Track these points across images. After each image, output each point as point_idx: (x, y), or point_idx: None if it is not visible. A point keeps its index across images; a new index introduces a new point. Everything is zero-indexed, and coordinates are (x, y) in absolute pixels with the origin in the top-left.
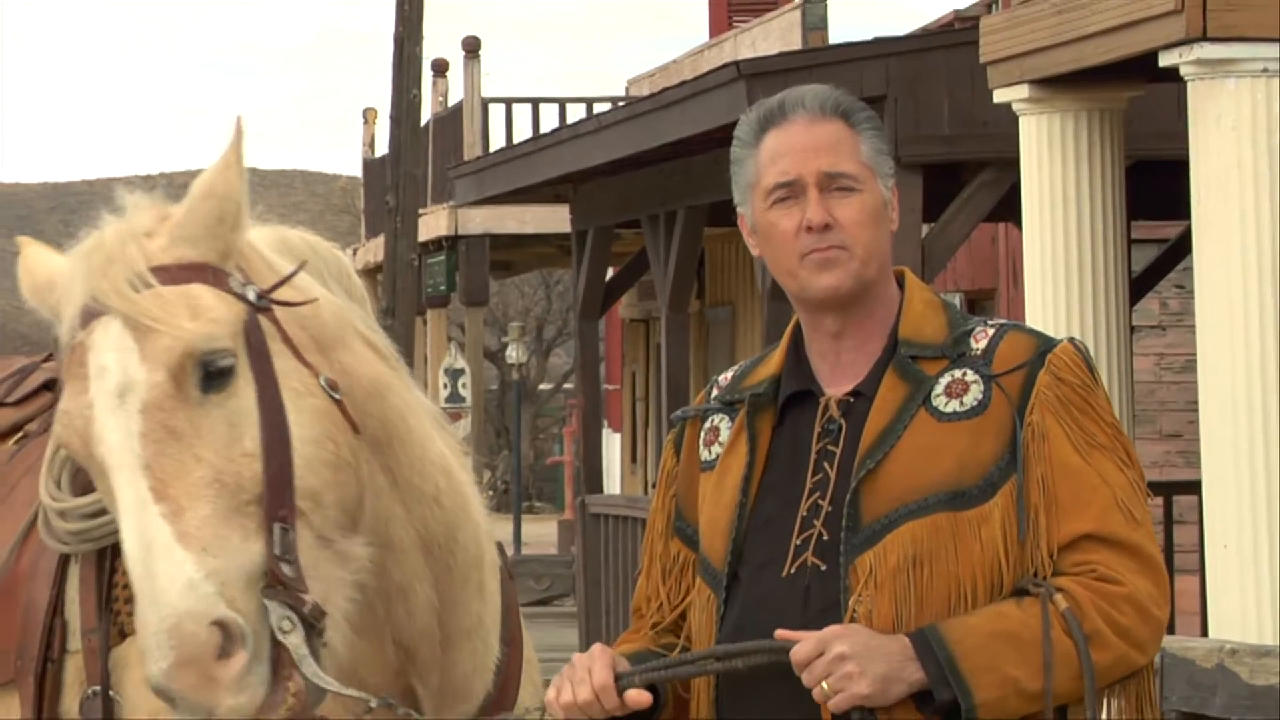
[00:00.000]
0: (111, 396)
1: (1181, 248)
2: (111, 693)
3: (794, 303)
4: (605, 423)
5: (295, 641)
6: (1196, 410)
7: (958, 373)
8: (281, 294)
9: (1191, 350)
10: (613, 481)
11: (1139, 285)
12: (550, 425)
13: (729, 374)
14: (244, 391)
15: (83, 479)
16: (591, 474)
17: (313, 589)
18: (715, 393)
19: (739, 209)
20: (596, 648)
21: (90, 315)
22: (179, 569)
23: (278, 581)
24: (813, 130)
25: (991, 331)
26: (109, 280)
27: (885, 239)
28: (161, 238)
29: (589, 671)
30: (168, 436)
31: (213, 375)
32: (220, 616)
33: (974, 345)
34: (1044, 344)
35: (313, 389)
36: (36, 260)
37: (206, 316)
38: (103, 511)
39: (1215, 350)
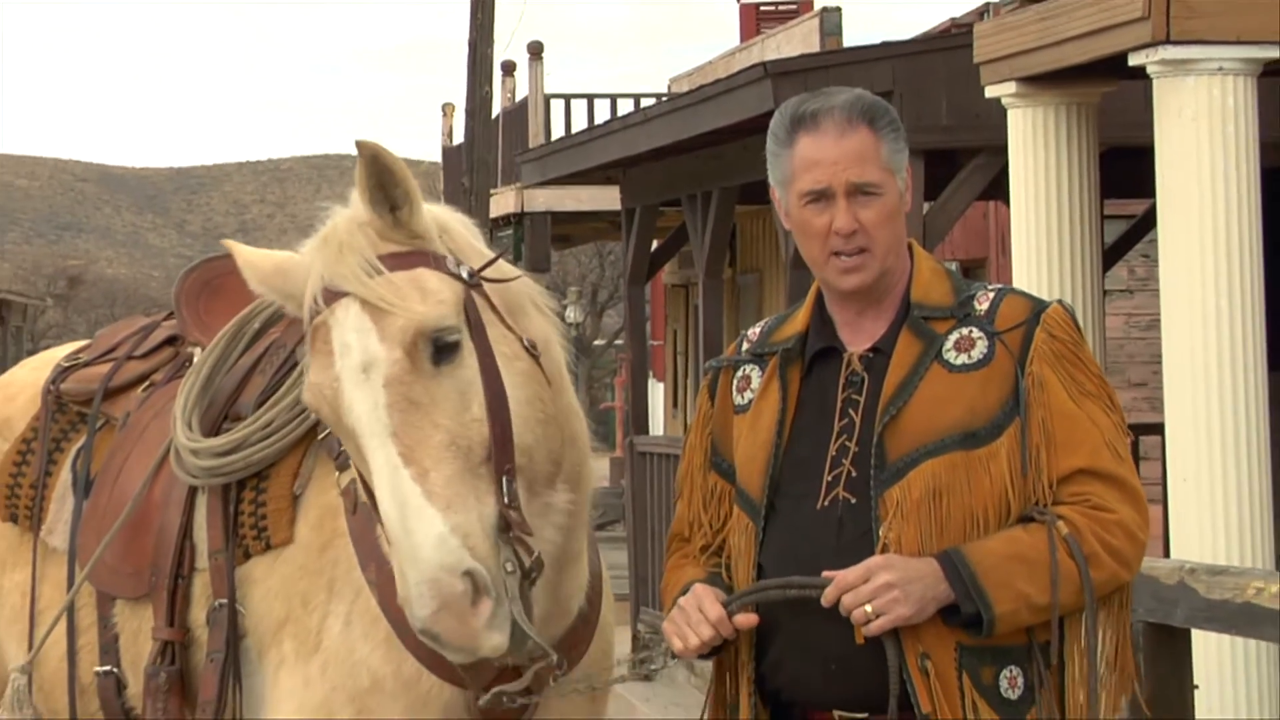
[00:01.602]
0: (356, 371)
1: (1147, 222)
2: (238, 606)
3: (820, 284)
4: (650, 374)
5: (511, 584)
6: (1160, 362)
7: (965, 330)
8: (486, 272)
9: (1156, 311)
10: (657, 424)
11: (1110, 255)
12: (603, 376)
13: (757, 329)
14: (468, 362)
15: (210, 422)
16: (639, 418)
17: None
18: (746, 345)
19: (775, 190)
20: (699, 588)
21: (331, 297)
22: (431, 526)
23: (509, 526)
24: (842, 143)
25: (992, 295)
26: (345, 266)
27: (900, 228)
28: (384, 228)
29: (701, 611)
30: (410, 406)
31: (442, 349)
32: (469, 568)
33: (978, 307)
34: (1038, 305)
35: (519, 353)
36: (254, 255)
37: (434, 298)
38: (231, 450)
39: (1176, 311)
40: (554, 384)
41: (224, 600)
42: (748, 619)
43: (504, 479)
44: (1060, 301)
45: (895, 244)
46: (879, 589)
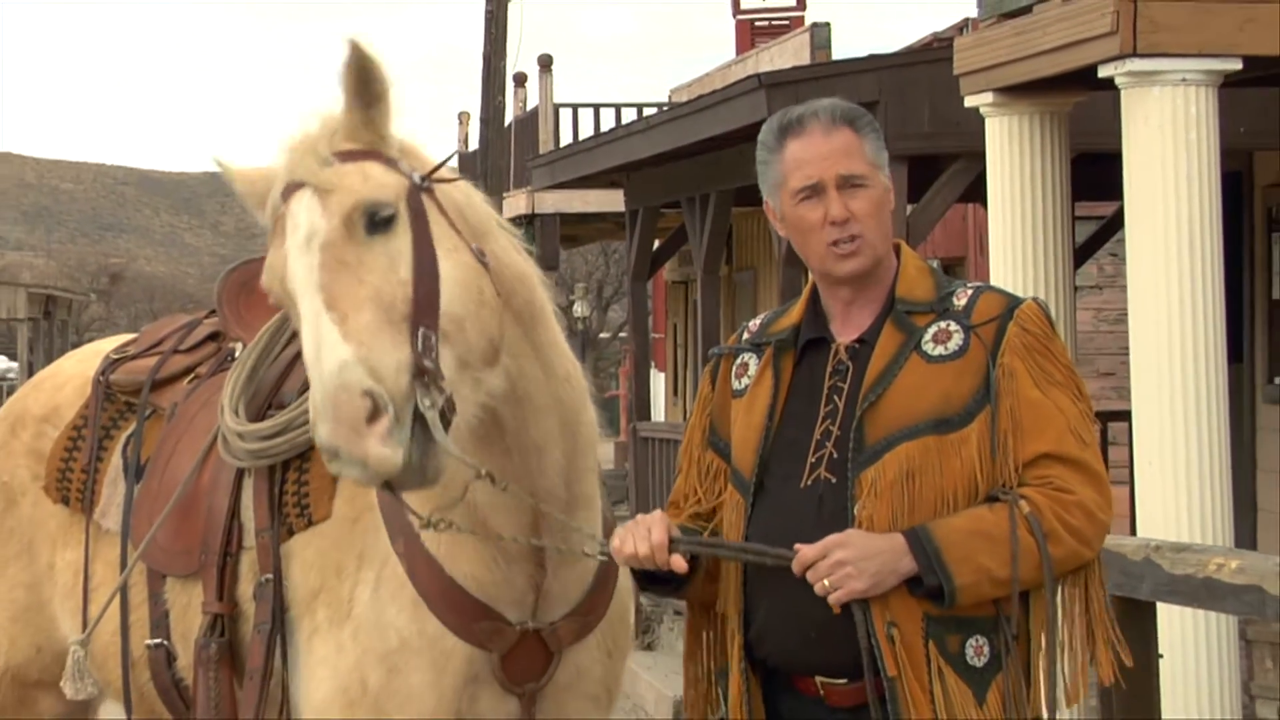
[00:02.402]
0: (301, 243)
1: (1116, 223)
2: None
3: (815, 276)
4: (652, 364)
5: (432, 416)
6: (1127, 354)
7: (943, 324)
8: (438, 182)
9: (1123, 306)
10: (658, 411)
11: (1081, 253)
12: (608, 366)
13: (756, 321)
14: (402, 236)
15: (255, 409)
16: (641, 405)
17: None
18: (746, 336)
19: (767, 200)
20: (657, 512)
21: (290, 190)
22: (339, 354)
23: (422, 372)
24: (828, 140)
25: (970, 292)
26: (304, 163)
27: (888, 220)
28: (340, 131)
29: (648, 530)
30: (339, 266)
31: (377, 223)
32: (368, 388)
33: (956, 303)
34: (1013, 302)
35: (463, 250)
36: (241, 168)
37: (375, 181)
38: (276, 434)
39: (1142, 305)
40: (531, 318)
41: (270, 575)
42: (678, 562)
43: (421, 331)
44: (1035, 299)
45: (885, 233)
46: (833, 565)
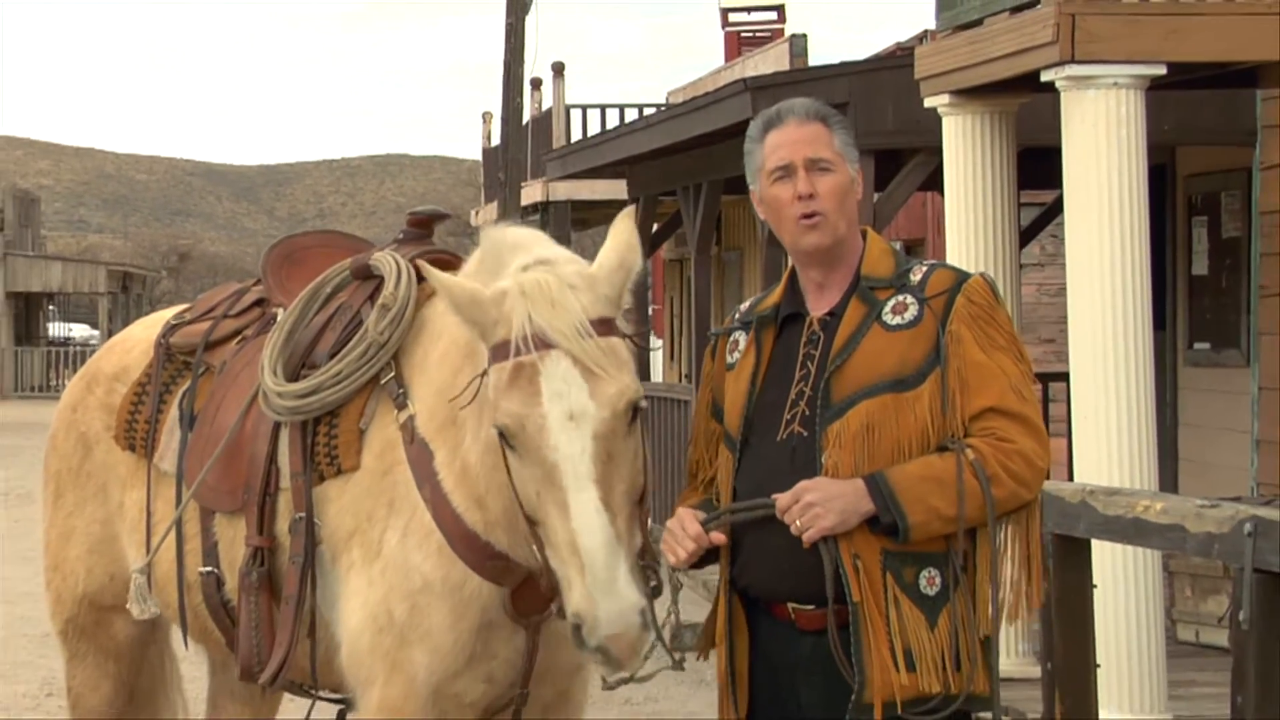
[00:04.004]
0: (564, 418)
1: (1056, 208)
2: (314, 519)
3: (790, 255)
4: (652, 333)
5: (651, 617)
6: (1066, 323)
7: (901, 297)
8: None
9: (1063, 281)
10: (657, 373)
11: (1026, 235)
12: None
13: (745, 304)
14: (638, 427)
15: (291, 369)
16: (641, 368)
17: None
18: (737, 316)
19: (750, 186)
20: (681, 511)
21: (540, 344)
22: (624, 566)
23: (644, 554)
24: (801, 130)
25: (925, 269)
26: (559, 321)
27: (852, 205)
28: (586, 293)
29: (682, 529)
30: (608, 459)
31: (634, 415)
32: (643, 607)
33: (913, 278)
34: (961, 276)
35: None
36: (449, 280)
37: (628, 369)
38: (309, 394)
39: (1079, 280)
40: None
41: (302, 514)
42: (719, 537)
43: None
44: (982, 274)
45: (848, 218)
46: (804, 507)
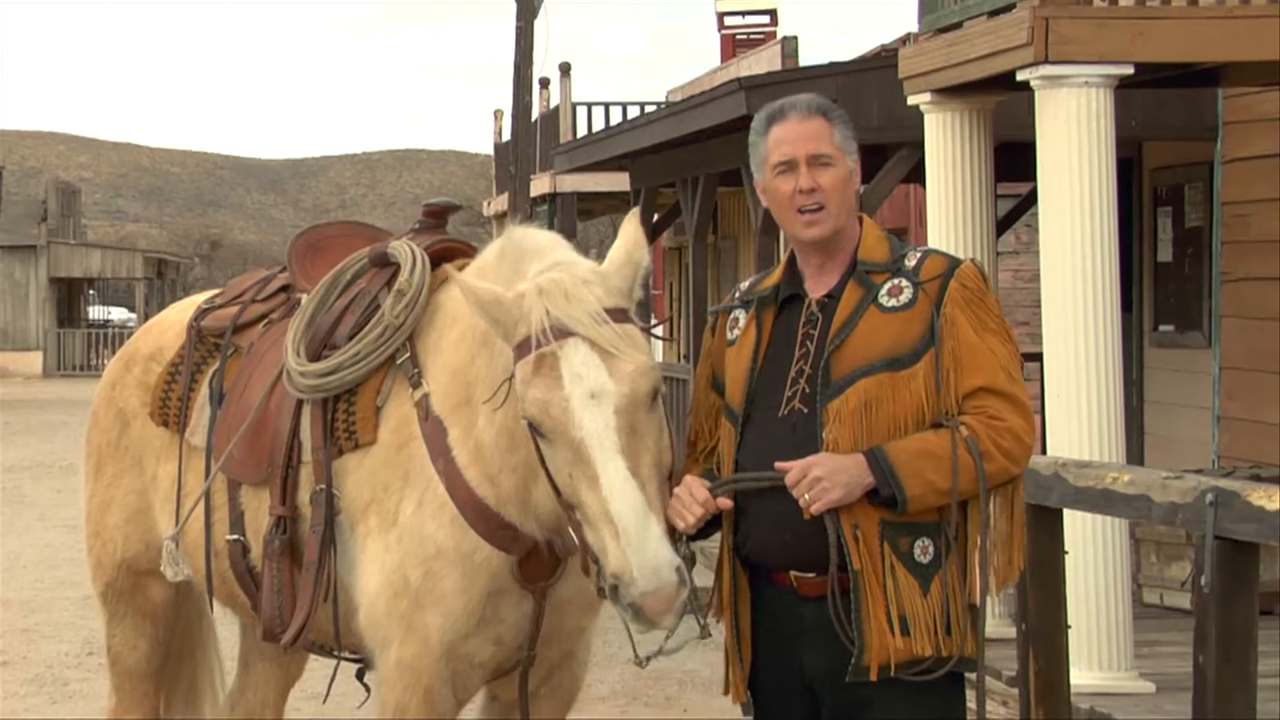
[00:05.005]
0: (585, 397)
1: (1030, 200)
2: (334, 490)
3: (790, 241)
4: (653, 316)
5: (686, 575)
6: (1039, 306)
7: (896, 281)
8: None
9: (1036, 267)
10: (656, 353)
11: (1002, 224)
12: None
13: (745, 284)
14: (660, 404)
15: (313, 350)
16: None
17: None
18: (737, 295)
19: (755, 176)
20: (688, 478)
21: (560, 334)
22: (655, 528)
23: (674, 532)
24: (803, 125)
25: (919, 254)
26: (575, 311)
27: (851, 196)
28: (599, 286)
29: (690, 494)
30: (632, 432)
31: (654, 393)
32: (679, 565)
33: (907, 263)
34: (954, 262)
35: None
36: (473, 283)
37: (643, 349)
38: (329, 373)
39: (1052, 267)
40: None
41: (323, 486)
42: (725, 502)
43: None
44: (973, 260)
45: (847, 208)
46: (812, 481)
